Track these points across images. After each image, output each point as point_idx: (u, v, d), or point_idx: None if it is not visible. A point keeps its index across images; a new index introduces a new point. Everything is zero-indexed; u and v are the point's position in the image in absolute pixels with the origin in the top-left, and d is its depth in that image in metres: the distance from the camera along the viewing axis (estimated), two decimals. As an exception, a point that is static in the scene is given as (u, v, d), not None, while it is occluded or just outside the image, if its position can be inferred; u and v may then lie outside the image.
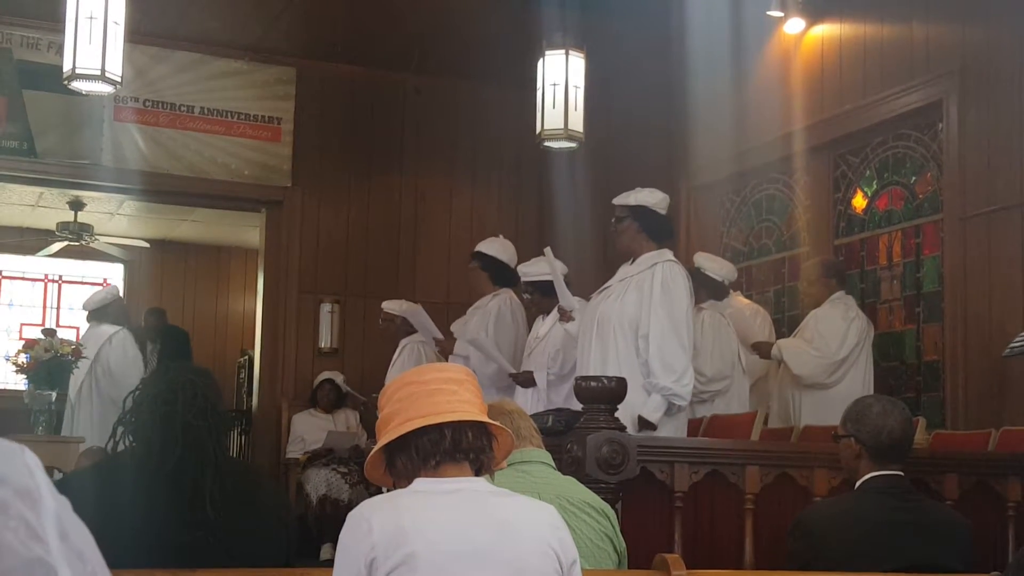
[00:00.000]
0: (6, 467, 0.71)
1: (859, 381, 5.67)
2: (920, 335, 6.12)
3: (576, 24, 6.31)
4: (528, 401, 5.57)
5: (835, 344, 5.68)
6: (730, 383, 5.72)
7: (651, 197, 4.81)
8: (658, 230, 4.79)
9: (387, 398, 2.14)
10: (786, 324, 6.74)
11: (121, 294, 7.93)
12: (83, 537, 0.75)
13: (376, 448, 2.12)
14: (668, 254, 4.72)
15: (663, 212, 4.81)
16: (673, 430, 4.58)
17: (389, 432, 2.08)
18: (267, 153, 8.41)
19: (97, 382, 7.07)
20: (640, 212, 4.78)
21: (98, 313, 7.48)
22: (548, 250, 5.50)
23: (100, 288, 8.47)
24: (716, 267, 6.03)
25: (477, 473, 2.10)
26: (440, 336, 6.52)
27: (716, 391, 5.66)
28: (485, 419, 2.11)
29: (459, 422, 2.07)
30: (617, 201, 4.87)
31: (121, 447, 2.54)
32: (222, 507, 2.45)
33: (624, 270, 4.80)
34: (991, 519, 3.97)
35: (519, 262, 6.10)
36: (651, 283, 4.59)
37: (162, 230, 11.94)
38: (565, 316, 5.41)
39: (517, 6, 6.98)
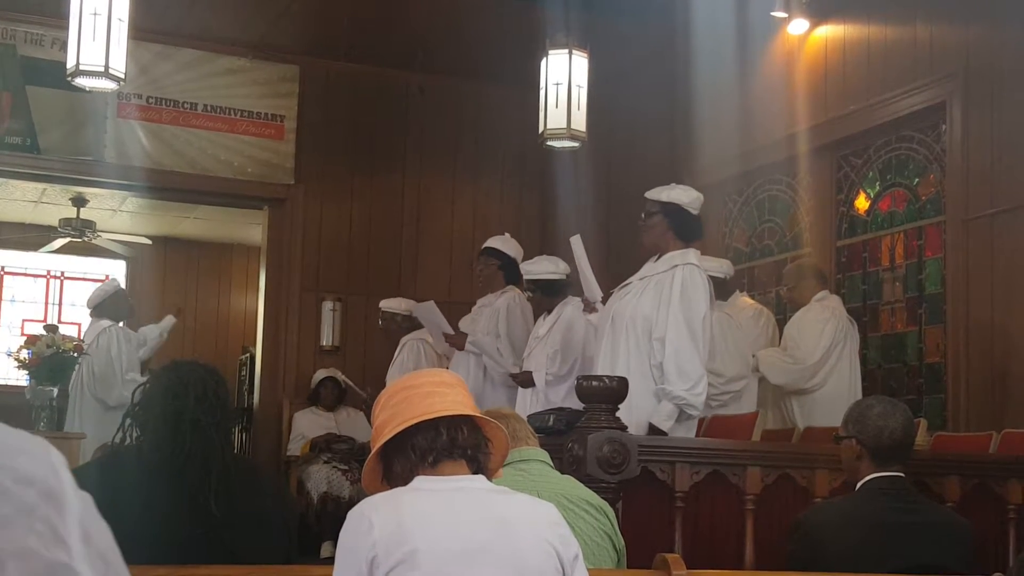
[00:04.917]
0: (32, 466, 0.71)
1: (844, 382, 5.65)
2: (922, 337, 6.12)
3: (579, 23, 6.30)
4: (528, 402, 5.57)
5: (807, 349, 5.66)
6: (747, 383, 5.68)
7: (685, 195, 4.65)
8: (687, 230, 4.62)
9: (380, 406, 2.15)
10: (788, 325, 6.74)
11: (121, 287, 7.91)
12: (105, 538, 0.75)
13: (373, 451, 2.13)
14: (692, 256, 4.55)
15: (695, 212, 4.65)
16: (682, 434, 4.52)
17: (385, 435, 2.09)
18: (270, 151, 8.41)
19: (83, 380, 7.08)
20: (671, 209, 4.60)
21: (98, 309, 7.50)
22: (577, 238, 5.28)
23: (101, 283, 8.48)
24: (716, 265, 5.97)
25: (475, 473, 2.11)
26: (451, 331, 6.42)
27: (735, 392, 5.59)
28: (479, 414, 2.13)
29: (454, 418, 2.09)
30: (650, 195, 4.69)
31: (128, 441, 2.54)
32: (225, 503, 2.46)
33: (648, 267, 4.65)
34: (992, 521, 3.97)
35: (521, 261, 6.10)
36: (670, 286, 4.45)
37: (164, 227, 11.95)
38: (588, 307, 5.30)
39: (520, 5, 6.98)
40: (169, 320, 7.93)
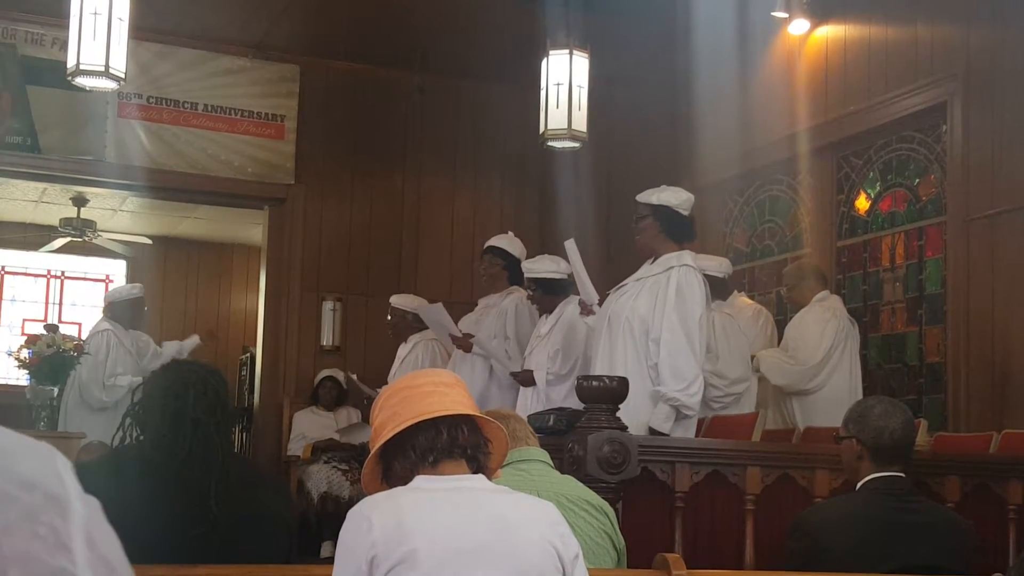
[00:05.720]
0: (36, 471, 0.70)
1: (845, 382, 5.64)
2: (922, 337, 6.12)
3: (580, 24, 6.30)
4: (528, 401, 5.56)
5: (808, 350, 5.65)
6: (748, 385, 5.66)
7: (674, 197, 4.66)
8: (679, 231, 4.65)
9: (380, 406, 2.15)
10: (788, 325, 6.73)
11: (141, 296, 7.66)
12: (111, 544, 0.74)
13: (373, 452, 2.12)
14: (687, 257, 4.57)
15: (686, 213, 4.67)
16: (682, 434, 4.52)
17: (385, 435, 2.09)
18: (270, 150, 8.41)
19: (74, 380, 7.03)
20: (662, 212, 4.63)
21: (110, 308, 7.48)
22: (572, 242, 5.28)
23: (129, 285, 8.34)
24: (715, 264, 5.95)
25: (475, 473, 2.10)
26: (458, 333, 6.38)
27: (739, 393, 5.56)
28: (479, 413, 2.13)
29: (454, 418, 2.09)
30: (640, 198, 4.72)
31: (128, 440, 2.54)
32: (225, 503, 2.45)
33: (644, 269, 4.67)
34: (992, 521, 3.97)
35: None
36: (666, 287, 4.47)
37: (165, 227, 11.95)
38: (585, 310, 5.32)
39: (521, 5, 6.98)
40: (193, 340, 7.74)
